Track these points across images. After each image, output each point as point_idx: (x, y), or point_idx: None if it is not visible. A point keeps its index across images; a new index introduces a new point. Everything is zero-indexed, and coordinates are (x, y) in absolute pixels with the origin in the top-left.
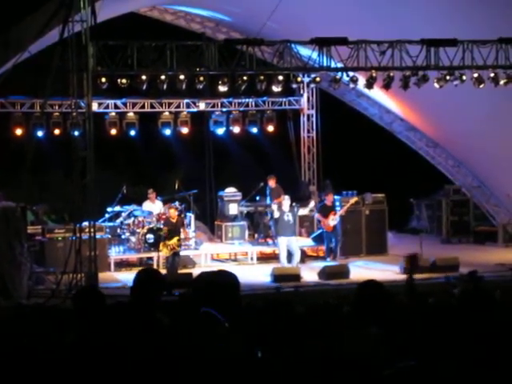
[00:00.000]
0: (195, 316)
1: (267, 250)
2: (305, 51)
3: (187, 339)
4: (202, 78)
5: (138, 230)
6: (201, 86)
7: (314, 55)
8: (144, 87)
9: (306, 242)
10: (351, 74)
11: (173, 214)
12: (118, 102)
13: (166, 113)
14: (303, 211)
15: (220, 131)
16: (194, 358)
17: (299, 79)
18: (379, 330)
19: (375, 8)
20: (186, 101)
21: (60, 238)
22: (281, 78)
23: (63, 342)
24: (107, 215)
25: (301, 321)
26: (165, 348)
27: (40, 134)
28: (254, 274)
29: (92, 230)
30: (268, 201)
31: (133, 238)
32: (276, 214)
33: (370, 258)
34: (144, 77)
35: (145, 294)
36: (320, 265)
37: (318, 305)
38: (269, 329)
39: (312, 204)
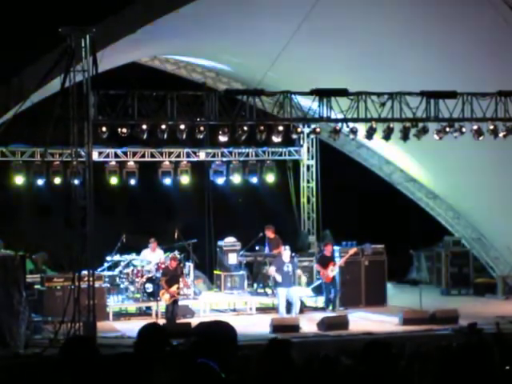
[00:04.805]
0: (192, 366)
1: (266, 300)
2: (305, 102)
3: None
4: (202, 128)
5: (136, 279)
6: (201, 136)
7: (314, 106)
8: (144, 136)
9: (306, 293)
10: (351, 124)
11: (173, 263)
12: (119, 151)
13: (167, 162)
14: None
15: (220, 181)
16: None
17: (299, 130)
18: None
19: (375, 60)
20: (186, 150)
21: (59, 287)
22: (281, 128)
23: None
24: (106, 264)
25: (299, 373)
26: None
27: (40, 182)
28: (252, 324)
29: (91, 278)
30: (267, 251)
31: (132, 287)
32: (278, 278)
33: (369, 308)
34: (144, 126)
35: (147, 349)
36: (319, 315)
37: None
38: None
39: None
